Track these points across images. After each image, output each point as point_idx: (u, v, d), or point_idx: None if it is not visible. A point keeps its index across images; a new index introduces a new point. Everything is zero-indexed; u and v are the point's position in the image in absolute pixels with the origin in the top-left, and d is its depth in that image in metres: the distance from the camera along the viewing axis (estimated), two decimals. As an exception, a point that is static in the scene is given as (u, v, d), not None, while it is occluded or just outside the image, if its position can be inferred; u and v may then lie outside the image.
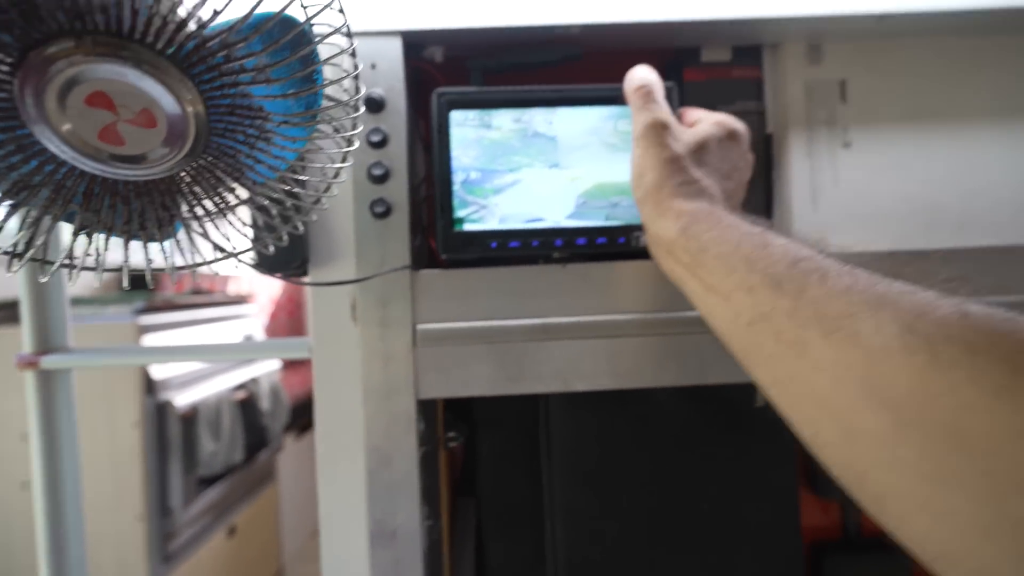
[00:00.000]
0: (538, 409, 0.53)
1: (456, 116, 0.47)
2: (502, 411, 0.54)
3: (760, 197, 0.55)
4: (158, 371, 1.48)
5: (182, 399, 1.54)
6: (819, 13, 0.49)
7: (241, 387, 1.84)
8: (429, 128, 0.48)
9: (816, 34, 0.53)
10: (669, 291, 0.48)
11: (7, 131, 0.21)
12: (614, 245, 0.47)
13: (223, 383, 1.77)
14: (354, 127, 0.30)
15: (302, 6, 0.26)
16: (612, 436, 0.52)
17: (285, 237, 0.33)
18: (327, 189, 0.32)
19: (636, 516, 0.52)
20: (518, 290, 0.47)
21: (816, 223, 0.53)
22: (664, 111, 0.43)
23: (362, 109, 0.29)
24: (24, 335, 0.58)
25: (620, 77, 0.52)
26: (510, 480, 0.54)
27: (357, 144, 0.30)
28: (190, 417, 1.55)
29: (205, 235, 0.27)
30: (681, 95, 0.55)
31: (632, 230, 0.47)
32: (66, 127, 0.20)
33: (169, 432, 1.50)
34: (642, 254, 0.48)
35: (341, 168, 0.31)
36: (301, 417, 2.34)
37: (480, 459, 0.54)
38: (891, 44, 0.54)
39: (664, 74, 0.57)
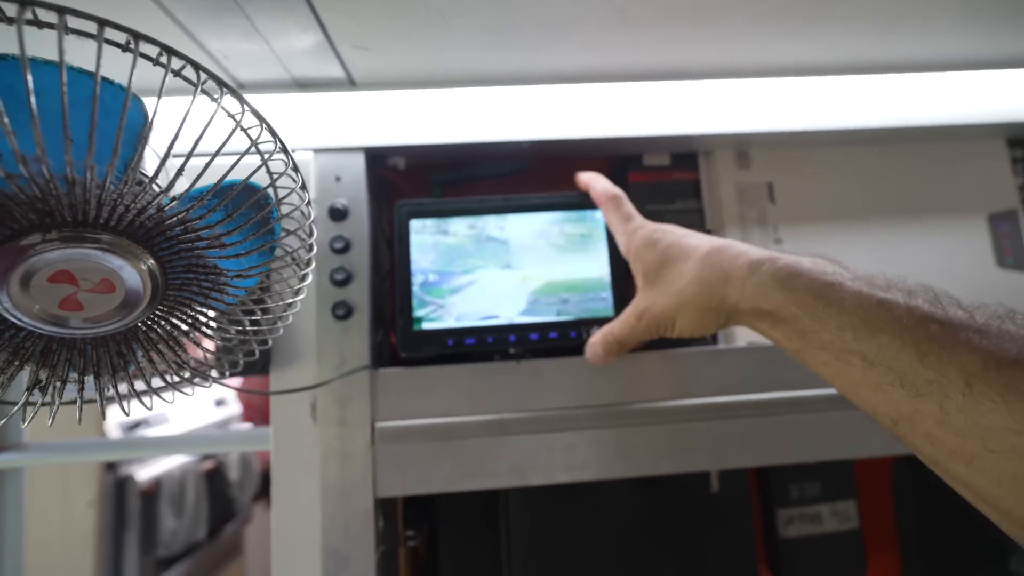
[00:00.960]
0: (498, 502, 0.54)
1: (415, 224, 0.51)
2: (463, 506, 0.54)
3: (704, 287, 0.59)
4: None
5: (144, 473, 1.48)
6: (740, 130, 0.56)
7: (209, 457, 1.77)
8: (393, 228, 0.51)
9: (743, 143, 0.59)
10: (620, 383, 0.50)
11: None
12: (566, 339, 0.50)
13: (190, 454, 1.70)
14: (308, 264, 0.32)
15: (269, 172, 0.29)
16: (571, 529, 0.53)
17: (256, 351, 0.35)
18: (283, 314, 0.34)
19: (597, 610, 0.51)
20: (474, 386, 0.49)
21: (755, 313, 0.56)
22: (639, 217, 0.47)
23: (314, 250, 0.32)
24: (-24, 435, 0.57)
25: (564, 184, 0.57)
26: (470, 574, 0.53)
27: (311, 279, 0.33)
28: (151, 492, 1.48)
29: (159, 374, 0.29)
30: (628, 196, 0.60)
31: (582, 324, 0.50)
32: (34, 308, 0.22)
33: (128, 510, 1.42)
34: (591, 348, 0.50)
35: (296, 299, 0.33)
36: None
37: (441, 555, 0.53)
38: (811, 152, 0.60)
39: (610, 176, 0.62)
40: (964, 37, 0.52)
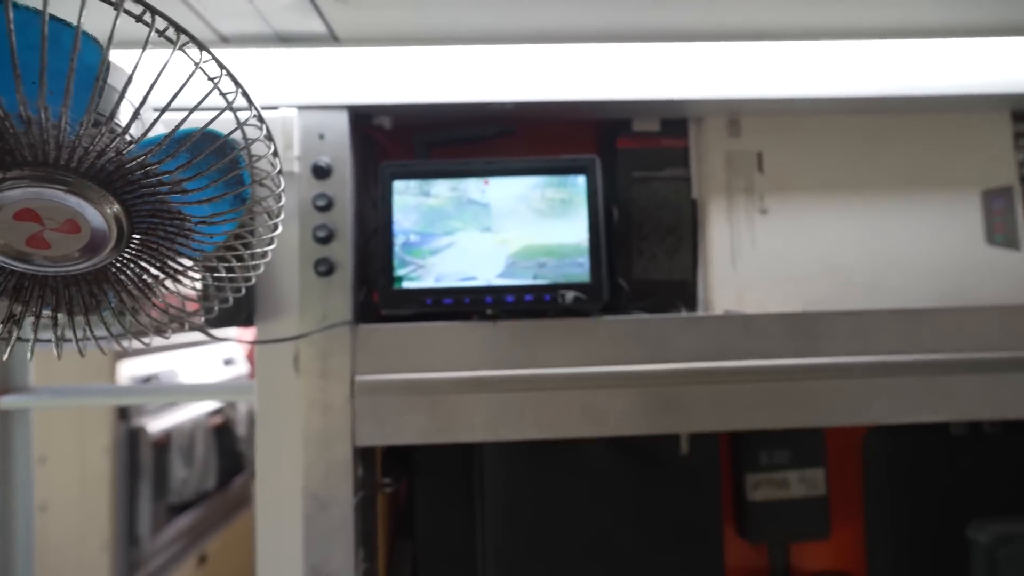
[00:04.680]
0: (473, 457, 0.56)
1: (398, 185, 0.51)
2: (439, 458, 0.57)
3: (687, 257, 0.59)
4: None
5: (155, 425, 1.55)
6: (733, 96, 0.54)
7: (218, 412, 1.84)
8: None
9: (734, 110, 0.58)
10: (593, 347, 0.51)
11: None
12: (540, 303, 0.51)
13: (199, 408, 1.77)
14: (278, 214, 0.33)
15: (238, 121, 0.29)
16: (542, 484, 0.55)
17: (230, 299, 0.37)
18: (254, 263, 0.35)
19: (565, 561, 0.54)
20: (451, 344, 0.51)
21: (735, 283, 0.57)
22: None
23: (283, 201, 0.33)
24: (-15, 376, 0.60)
25: (551, 148, 0.57)
26: (446, 524, 0.56)
27: (280, 229, 0.34)
28: (162, 443, 1.55)
29: (133, 313, 0.31)
30: (615, 162, 0.59)
31: (558, 288, 0.51)
32: (0, 243, 0.24)
33: (140, 458, 1.50)
34: (567, 311, 0.51)
35: (268, 248, 0.34)
36: (279, 442, 2.32)
37: (417, 504, 0.56)
38: (802, 121, 0.59)
39: (599, 141, 0.62)
40: (969, 2, 0.50)
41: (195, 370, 1.87)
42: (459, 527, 0.56)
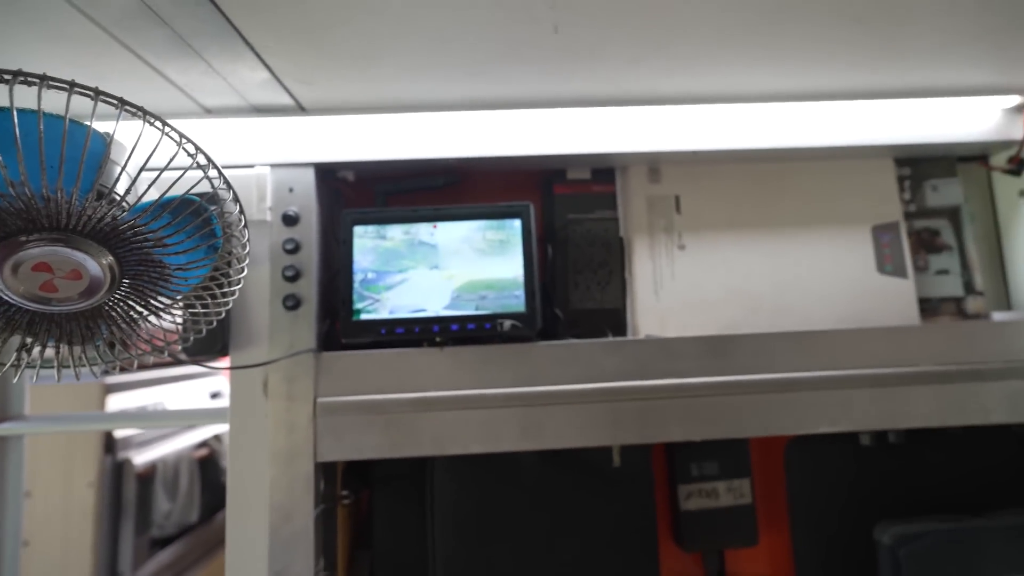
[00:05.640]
0: (426, 470, 0.62)
1: (358, 230, 0.59)
2: (396, 472, 0.62)
3: (618, 288, 0.66)
4: (120, 430, 1.52)
5: (141, 457, 1.57)
6: (651, 149, 0.63)
7: (203, 445, 1.87)
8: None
9: (654, 160, 0.67)
10: (530, 369, 0.58)
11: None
12: (482, 330, 0.58)
13: (186, 440, 1.80)
14: (244, 259, 0.41)
15: (213, 186, 0.37)
16: (487, 496, 0.61)
17: (203, 330, 0.44)
18: (223, 300, 0.42)
19: (509, 568, 0.59)
20: (403, 369, 0.57)
21: (658, 310, 0.64)
22: None
23: (247, 249, 0.41)
24: (-18, 405, 0.66)
25: (498, 195, 0.65)
26: (402, 534, 0.61)
27: (246, 272, 0.41)
28: (147, 475, 1.57)
29: (122, 343, 0.37)
30: (553, 205, 0.68)
31: (496, 318, 0.58)
32: (20, 288, 0.31)
33: (124, 491, 1.52)
34: (507, 338, 0.58)
35: (234, 288, 0.42)
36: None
37: (375, 515, 0.61)
38: (714, 168, 0.68)
39: (538, 187, 0.70)
40: (851, 70, 0.59)
41: (182, 403, 1.91)
42: (414, 537, 0.61)
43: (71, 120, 0.32)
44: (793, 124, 0.65)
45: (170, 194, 0.35)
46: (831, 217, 0.67)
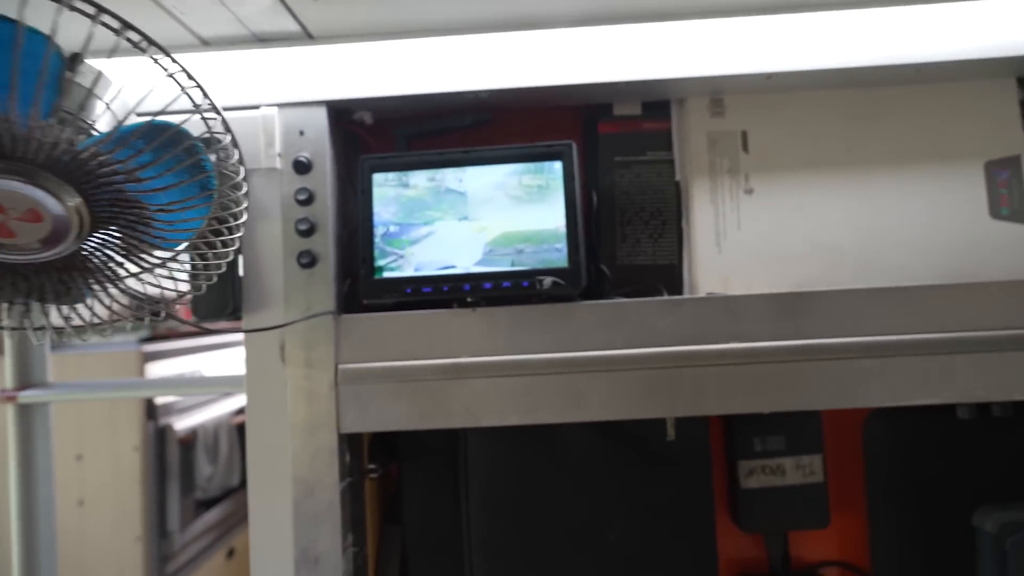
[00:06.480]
0: (459, 442, 0.57)
1: (377, 178, 0.52)
2: (426, 444, 0.58)
3: (673, 240, 0.58)
4: (159, 397, 1.55)
5: (181, 423, 1.61)
6: (714, 73, 0.53)
7: (241, 411, 1.91)
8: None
9: (716, 90, 0.57)
10: (572, 332, 0.51)
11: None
12: (518, 288, 0.51)
13: (224, 407, 1.83)
14: (239, 204, 0.35)
15: (200, 114, 0.31)
16: (526, 471, 0.55)
17: (203, 287, 0.38)
18: (224, 253, 0.37)
19: (550, 549, 0.54)
20: (431, 332, 0.51)
21: (721, 266, 0.56)
22: None
23: (244, 188, 0.34)
24: (6, 371, 0.64)
25: (533, 135, 0.57)
26: (433, 510, 0.57)
27: (244, 219, 0.35)
28: (188, 441, 1.61)
29: (103, 300, 0.32)
30: (596, 147, 0.59)
31: (535, 274, 0.51)
32: (-39, 229, 0.26)
33: (168, 456, 1.56)
34: (546, 297, 0.51)
35: (234, 236, 0.36)
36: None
37: (405, 490, 0.57)
38: (789, 98, 0.57)
39: (580, 127, 0.61)
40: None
41: (221, 371, 1.94)
42: (447, 512, 0.56)
43: (30, 29, 0.25)
44: (888, 35, 0.53)
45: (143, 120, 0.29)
46: (931, 152, 0.56)
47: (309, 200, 0.52)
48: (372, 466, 0.55)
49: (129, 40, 0.27)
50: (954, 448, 0.57)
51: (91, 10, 0.26)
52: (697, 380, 0.50)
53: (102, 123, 0.31)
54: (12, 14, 0.25)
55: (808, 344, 0.50)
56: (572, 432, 0.55)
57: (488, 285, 0.51)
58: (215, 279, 0.38)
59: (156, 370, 1.62)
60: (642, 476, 0.55)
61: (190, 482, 1.65)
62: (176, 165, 0.30)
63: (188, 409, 1.73)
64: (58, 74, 0.27)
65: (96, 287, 0.32)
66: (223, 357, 2.00)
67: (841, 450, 0.61)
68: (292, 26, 0.48)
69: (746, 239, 0.56)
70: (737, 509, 0.59)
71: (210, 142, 0.31)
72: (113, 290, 0.32)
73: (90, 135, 0.29)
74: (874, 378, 0.50)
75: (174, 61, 0.29)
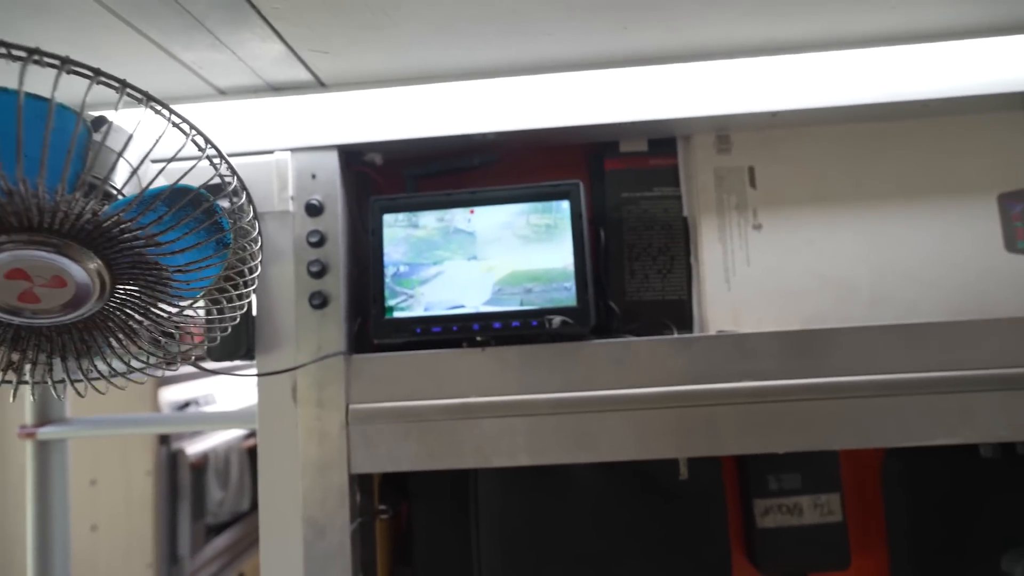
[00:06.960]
0: (469, 482, 0.56)
1: (388, 219, 0.53)
2: (436, 484, 0.57)
3: (681, 276, 0.58)
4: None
5: (193, 448, 1.62)
6: (719, 112, 0.54)
7: (252, 435, 1.91)
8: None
9: (723, 126, 0.57)
10: (582, 371, 0.51)
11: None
12: (527, 328, 0.51)
13: (235, 432, 1.84)
14: (254, 258, 0.36)
15: (219, 175, 0.32)
16: (538, 511, 0.54)
17: (217, 338, 0.39)
18: (239, 305, 0.37)
19: (562, 589, 0.53)
20: (441, 372, 0.52)
21: (730, 302, 0.55)
22: None
23: (260, 244, 0.35)
24: (25, 409, 0.65)
25: (541, 174, 0.57)
26: (443, 550, 0.56)
27: (258, 271, 0.36)
28: (200, 466, 1.62)
29: (120, 355, 0.33)
30: (603, 183, 0.60)
31: (544, 313, 0.51)
32: (-10, 298, 0.27)
33: (180, 481, 1.57)
34: (556, 336, 0.52)
35: (249, 290, 0.36)
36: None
37: (415, 530, 0.57)
38: (795, 133, 0.57)
39: (586, 164, 0.62)
40: (967, 2, 0.48)
41: (234, 395, 1.95)
42: (457, 553, 0.56)
43: (61, 105, 0.26)
44: (893, 72, 0.54)
45: (162, 184, 0.30)
46: (944, 185, 0.56)
47: (321, 242, 0.53)
48: (383, 506, 0.55)
49: (131, 96, 0.28)
50: (978, 487, 0.55)
51: (89, 72, 0.27)
52: (709, 419, 0.50)
53: (122, 174, 0.32)
54: (36, 89, 0.26)
55: (821, 383, 0.50)
56: (583, 471, 0.55)
57: (497, 324, 0.51)
58: (229, 329, 0.38)
59: (169, 394, 1.63)
60: (655, 515, 0.55)
61: (201, 507, 1.65)
62: (196, 227, 0.31)
63: (199, 433, 1.74)
64: (84, 144, 0.29)
65: (115, 344, 0.32)
66: (234, 381, 2.01)
67: (860, 488, 0.60)
68: (304, 75, 0.49)
69: (755, 274, 0.55)
70: (754, 549, 0.57)
71: (219, 189, 0.32)
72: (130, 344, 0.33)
73: (112, 197, 0.30)
74: (890, 417, 0.49)
75: (173, 112, 0.30)
